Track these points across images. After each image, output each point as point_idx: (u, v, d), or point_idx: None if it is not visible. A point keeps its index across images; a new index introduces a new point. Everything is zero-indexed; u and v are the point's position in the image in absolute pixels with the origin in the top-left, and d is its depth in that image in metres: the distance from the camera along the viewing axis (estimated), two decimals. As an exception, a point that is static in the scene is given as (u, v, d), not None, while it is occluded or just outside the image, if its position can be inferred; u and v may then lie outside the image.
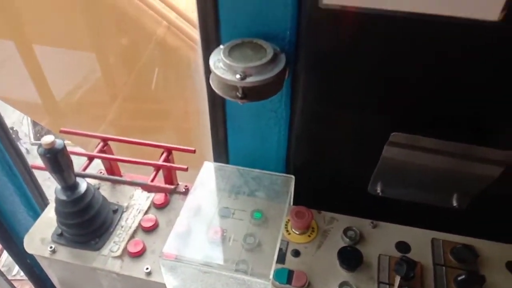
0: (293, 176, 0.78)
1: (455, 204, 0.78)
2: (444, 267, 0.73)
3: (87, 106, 1.58)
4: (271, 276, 0.64)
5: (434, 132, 0.67)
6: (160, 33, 1.38)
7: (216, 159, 0.85)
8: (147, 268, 0.75)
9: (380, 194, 0.81)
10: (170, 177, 0.84)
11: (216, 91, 0.59)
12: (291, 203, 0.83)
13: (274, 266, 0.66)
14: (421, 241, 0.78)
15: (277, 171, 0.83)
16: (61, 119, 1.66)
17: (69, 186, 0.73)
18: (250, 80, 0.55)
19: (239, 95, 0.57)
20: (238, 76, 0.55)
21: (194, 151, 0.80)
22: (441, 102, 0.65)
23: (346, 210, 0.85)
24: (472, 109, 0.65)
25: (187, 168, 0.77)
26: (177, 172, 0.88)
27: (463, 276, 0.70)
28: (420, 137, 0.67)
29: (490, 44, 0.56)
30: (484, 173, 0.71)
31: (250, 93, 0.58)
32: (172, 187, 0.83)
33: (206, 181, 0.78)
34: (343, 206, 0.85)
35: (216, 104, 0.74)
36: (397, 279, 0.68)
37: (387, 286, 0.71)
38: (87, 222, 0.76)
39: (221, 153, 0.83)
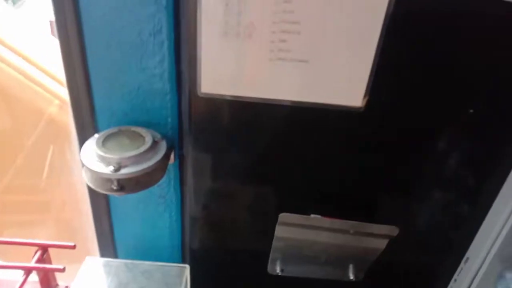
0: (187, 266, 0.73)
1: (352, 277, 0.79)
2: None
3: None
4: None
5: (322, 211, 0.69)
6: (52, 112, 1.30)
7: (102, 253, 0.77)
8: None
9: (279, 274, 0.79)
10: (46, 279, 0.73)
11: (89, 184, 0.54)
12: (188, 295, 0.77)
13: None
14: (323, 321, 0.76)
15: (172, 260, 0.77)
16: None
17: None
18: (124, 171, 0.52)
19: (114, 188, 0.53)
20: (111, 168, 0.52)
21: (74, 247, 0.71)
22: (323, 183, 0.67)
23: (249, 295, 0.81)
24: (353, 190, 0.68)
25: (64, 269, 0.68)
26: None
27: None
28: (307, 216, 0.68)
29: (358, 127, 0.61)
30: (372, 246, 0.73)
31: (128, 185, 0.54)
32: (44, 293, 0.72)
33: (89, 280, 0.69)
34: (246, 290, 0.82)
35: (97, 191, 0.68)
36: None
37: None
38: None
39: (107, 246, 0.75)
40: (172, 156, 0.64)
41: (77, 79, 0.56)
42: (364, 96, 0.58)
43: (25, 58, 1.37)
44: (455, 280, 0.78)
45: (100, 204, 0.70)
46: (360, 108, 0.59)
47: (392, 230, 0.69)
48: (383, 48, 0.53)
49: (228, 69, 0.56)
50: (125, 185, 0.54)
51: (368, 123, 0.61)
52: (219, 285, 0.82)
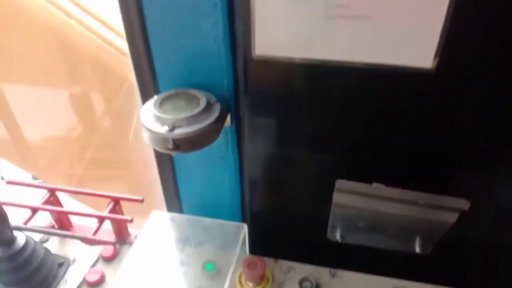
0: (244, 224, 0.75)
1: (418, 250, 0.74)
2: (406, 320, 0.69)
3: (60, 152, 1.55)
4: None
5: (386, 180, 0.65)
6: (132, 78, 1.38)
7: (169, 208, 0.82)
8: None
9: (339, 240, 0.78)
10: (119, 228, 0.80)
11: (148, 142, 0.57)
12: (247, 252, 0.80)
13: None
14: (381, 291, 0.74)
15: (232, 218, 0.80)
16: (32, 160, 1.63)
17: (4, 241, 0.69)
18: (178, 132, 0.53)
19: (170, 147, 0.55)
20: (166, 128, 0.54)
21: (142, 201, 0.77)
22: (387, 151, 0.63)
23: (305, 258, 0.81)
24: (420, 158, 0.63)
25: (132, 220, 0.74)
26: (136, 219, 0.85)
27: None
28: (368, 184, 0.65)
29: (428, 91, 0.55)
30: (441, 219, 0.68)
31: (183, 144, 0.56)
32: (113, 241, 0.79)
33: (153, 232, 0.75)
34: (303, 254, 0.82)
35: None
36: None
37: None
38: (26, 279, 0.72)
39: (173, 202, 0.80)
40: (228, 119, 0.64)
41: (137, 44, 0.58)
42: (435, 57, 0.51)
43: (115, 31, 1.47)
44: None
45: (165, 162, 0.74)
46: (430, 70, 0.53)
47: (462, 203, 0.63)
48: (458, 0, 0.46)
49: (282, 30, 0.54)
50: (180, 145, 0.56)
51: (440, 87, 0.54)
52: (278, 246, 0.83)
